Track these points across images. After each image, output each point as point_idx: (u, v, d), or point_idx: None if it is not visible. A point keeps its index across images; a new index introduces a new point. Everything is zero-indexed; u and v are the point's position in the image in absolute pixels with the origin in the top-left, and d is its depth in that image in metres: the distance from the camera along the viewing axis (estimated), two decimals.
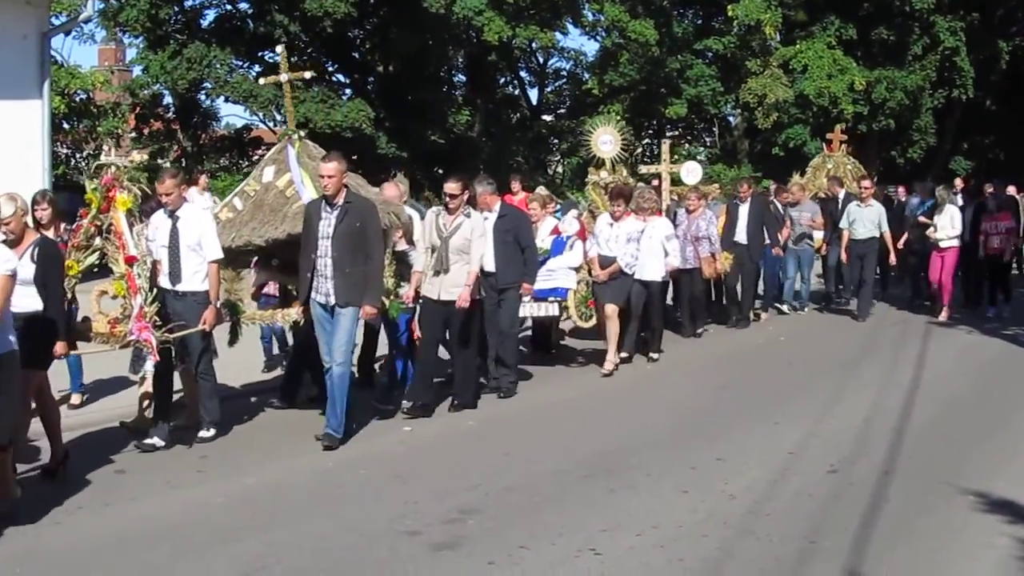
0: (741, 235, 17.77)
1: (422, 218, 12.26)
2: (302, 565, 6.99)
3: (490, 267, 12.26)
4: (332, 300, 10.10)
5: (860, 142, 37.56)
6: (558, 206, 16.56)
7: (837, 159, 22.78)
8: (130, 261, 9.67)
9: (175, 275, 10.03)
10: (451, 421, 11.21)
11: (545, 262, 13.62)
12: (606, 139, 16.66)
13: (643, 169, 19.50)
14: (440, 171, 36.91)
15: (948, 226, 18.47)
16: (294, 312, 10.85)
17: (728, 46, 37.38)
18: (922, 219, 19.33)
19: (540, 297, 13.41)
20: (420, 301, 11.57)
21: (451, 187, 11.45)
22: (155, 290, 9.83)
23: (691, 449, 9.86)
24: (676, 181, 19.22)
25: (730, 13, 35.32)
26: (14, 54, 17.31)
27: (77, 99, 26.08)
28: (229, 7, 37.04)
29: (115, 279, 9.77)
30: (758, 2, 34.74)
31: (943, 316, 18.19)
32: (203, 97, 37.52)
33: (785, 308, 19.40)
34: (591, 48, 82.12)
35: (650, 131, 44.15)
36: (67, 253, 9.62)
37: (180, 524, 7.85)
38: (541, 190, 18.18)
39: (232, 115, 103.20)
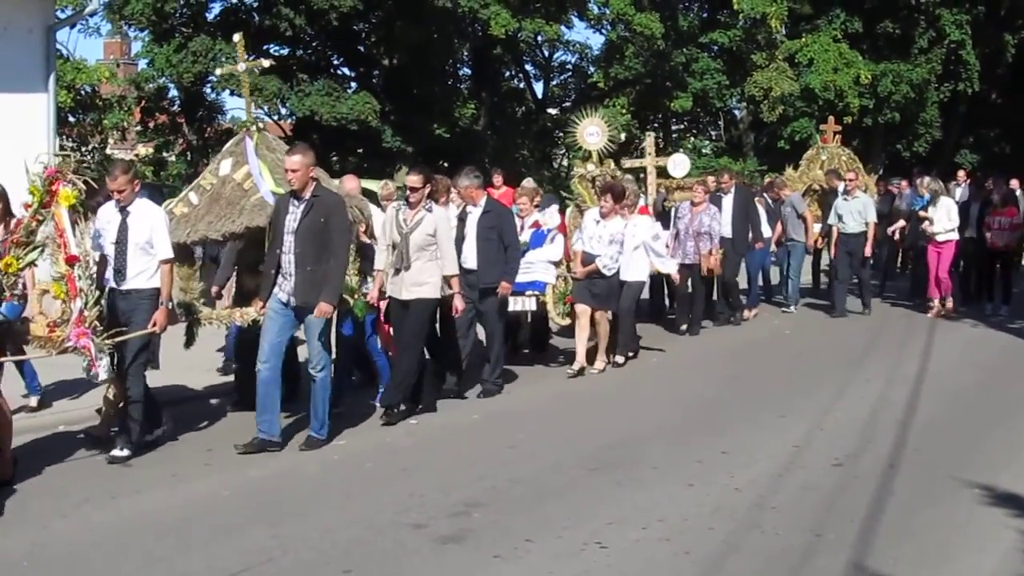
0: (725, 228, 17.11)
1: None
2: (308, 558, 7.00)
3: (470, 264, 12.04)
4: (294, 300, 9.63)
5: (865, 135, 37.62)
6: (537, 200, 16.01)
7: (831, 151, 22.30)
8: (71, 261, 9.04)
9: (120, 273, 9.47)
10: (457, 414, 11.21)
11: (524, 254, 13.07)
12: (592, 131, 16.24)
13: (627, 163, 18.78)
14: (445, 164, 36.88)
15: (944, 219, 18.01)
16: (253, 311, 10.14)
17: (733, 39, 37.34)
18: (921, 213, 18.84)
19: (517, 291, 12.82)
20: (387, 300, 11.13)
21: (411, 180, 10.89)
22: (99, 292, 9.24)
23: (697, 442, 9.86)
24: (663, 174, 18.64)
25: (735, 6, 35.28)
26: (20, 48, 17.30)
27: (83, 93, 26.06)
28: (235, 0, 37.03)
29: (55, 279, 9.21)
30: None
31: (948, 308, 17.95)
32: (208, 90, 37.52)
33: (792, 308, 18.97)
34: (596, 41, 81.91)
35: (655, 124, 44.10)
36: (6, 249, 9.01)
37: (186, 517, 7.86)
38: (528, 182, 17.89)
39: (237, 108, 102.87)
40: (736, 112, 43.03)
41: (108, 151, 33.16)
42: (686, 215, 16.33)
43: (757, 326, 17.49)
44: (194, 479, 8.81)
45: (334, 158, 38.06)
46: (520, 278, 12.73)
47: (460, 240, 12.10)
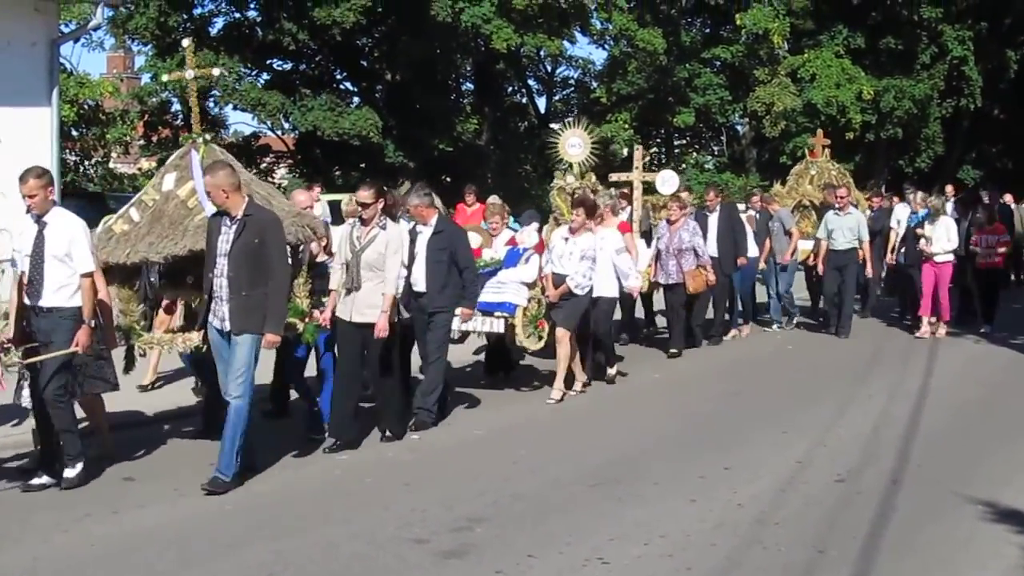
0: (711, 247, 16.46)
1: None
2: (310, 572, 6.99)
3: (420, 287, 11.33)
4: (228, 326, 8.93)
5: (868, 151, 37.68)
6: (511, 219, 15.09)
7: (821, 165, 21.47)
8: None
9: (36, 289, 8.81)
10: (459, 429, 11.20)
11: (496, 273, 12.65)
12: (574, 142, 15.81)
13: (614, 176, 18.15)
14: (448, 179, 36.95)
15: (944, 238, 17.24)
16: (196, 337, 9.54)
17: (736, 55, 37.43)
18: (918, 231, 18.04)
19: (485, 310, 12.26)
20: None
21: (363, 195, 10.34)
22: (7, 309, 8.84)
23: (699, 458, 9.85)
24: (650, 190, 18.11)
25: (738, 22, 35.40)
26: (23, 61, 17.36)
27: (86, 107, 26.12)
28: (238, 15, 37.16)
29: None
30: (766, 11, 34.83)
31: (939, 333, 17.31)
32: (211, 104, 37.60)
33: (774, 327, 18.42)
34: (599, 57, 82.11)
35: (658, 140, 44.17)
36: None
37: (188, 531, 7.85)
38: (495, 199, 16.91)
39: (240, 123, 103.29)
40: (738, 127, 43.10)
41: (111, 165, 33.25)
42: (664, 233, 15.78)
43: (759, 342, 17.46)
44: (196, 494, 8.78)
45: (337, 172, 38.17)
46: (489, 297, 12.30)
47: (410, 261, 11.34)
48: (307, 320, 10.17)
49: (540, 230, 14.40)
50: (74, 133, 26.29)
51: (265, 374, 10.47)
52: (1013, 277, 24.67)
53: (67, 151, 25.95)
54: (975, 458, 9.91)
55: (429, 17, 32.21)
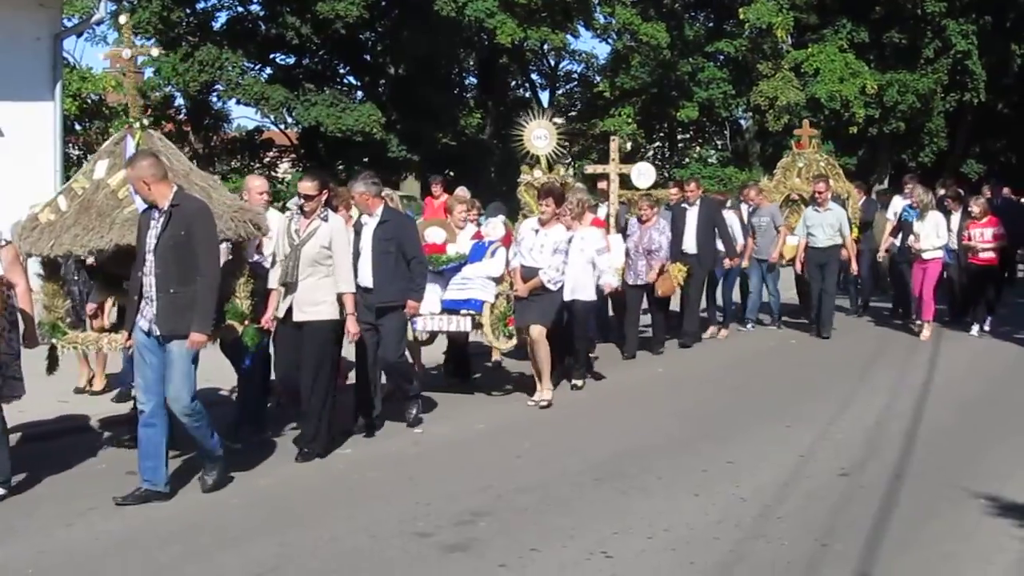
0: (689, 243, 16.03)
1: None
2: (314, 566, 7.00)
3: (366, 281, 10.64)
4: (156, 329, 8.24)
5: (871, 145, 37.65)
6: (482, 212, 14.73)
7: (809, 156, 20.14)
8: None
9: None
10: (462, 424, 11.20)
11: (460, 268, 12.04)
12: (540, 134, 15.00)
13: (589, 169, 17.47)
14: (451, 174, 36.94)
15: (933, 235, 16.65)
16: (120, 338, 8.90)
17: (739, 49, 37.38)
18: (891, 239, 17.87)
19: (451, 309, 11.84)
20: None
21: (306, 186, 9.72)
22: None
23: (702, 452, 9.85)
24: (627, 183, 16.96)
25: (742, 16, 35.34)
26: (26, 56, 17.39)
27: (89, 101, 26.13)
28: (241, 9, 37.20)
29: None
30: (770, 5, 34.76)
31: (925, 334, 16.67)
32: (215, 99, 37.71)
33: (748, 326, 17.90)
34: (602, 51, 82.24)
35: (661, 134, 44.15)
36: None
37: (192, 525, 7.86)
38: (462, 191, 16.69)
39: (243, 117, 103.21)
40: (742, 122, 43.10)
41: None
42: (635, 231, 15.17)
43: (762, 337, 17.45)
44: (199, 488, 8.79)
45: (340, 167, 38.15)
46: (455, 295, 11.87)
47: (356, 255, 10.57)
48: (247, 323, 9.37)
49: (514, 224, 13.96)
50: (77, 127, 26.30)
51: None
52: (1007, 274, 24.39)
53: (70, 145, 25.96)
54: (979, 452, 9.92)
55: (432, 11, 32.19)
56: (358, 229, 10.86)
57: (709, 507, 8.20)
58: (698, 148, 45.01)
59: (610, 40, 40.52)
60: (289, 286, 9.61)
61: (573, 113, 45.60)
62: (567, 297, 12.51)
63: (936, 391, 12.58)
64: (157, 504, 8.30)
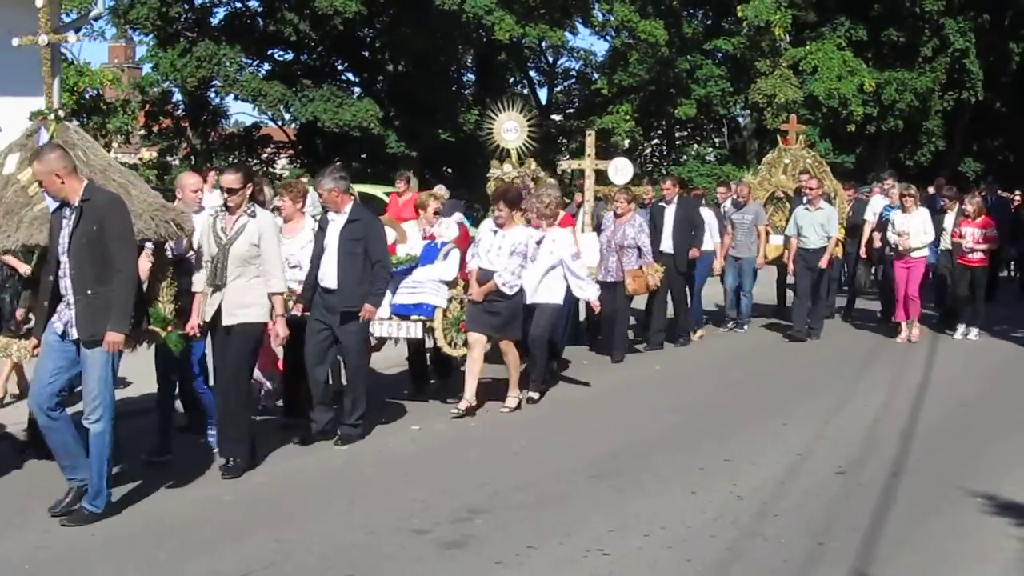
0: (666, 242, 15.51)
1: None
2: (311, 563, 6.99)
3: (330, 283, 10.10)
4: (74, 332, 7.69)
5: (869, 144, 37.64)
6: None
7: (795, 153, 19.44)
8: None
9: None
10: (459, 421, 11.17)
11: (411, 271, 11.47)
12: (510, 126, 14.43)
13: (563, 164, 16.96)
14: (449, 170, 36.93)
15: (920, 232, 16.04)
16: (30, 344, 8.29)
17: (738, 46, 37.32)
18: (875, 232, 17.40)
19: (401, 314, 11.24)
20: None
21: (228, 179, 9.07)
22: None
23: (699, 450, 9.85)
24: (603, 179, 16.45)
25: (740, 14, 35.28)
26: (24, 51, 17.32)
27: (87, 96, 26.15)
28: (239, 5, 37.18)
29: None
30: (768, 3, 34.70)
31: (914, 336, 16.15)
32: (212, 95, 37.69)
33: (729, 325, 17.48)
34: (600, 48, 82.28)
35: (659, 131, 44.12)
36: None
37: (189, 521, 7.85)
38: (440, 189, 16.01)
39: (241, 113, 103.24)
40: (740, 119, 43.03)
41: (112, 155, 33.27)
42: (608, 226, 14.54)
43: (759, 334, 17.42)
44: (197, 484, 8.80)
45: (337, 163, 38.11)
46: (404, 300, 11.24)
47: (319, 254, 10.22)
48: (170, 328, 8.84)
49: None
50: (75, 122, 26.32)
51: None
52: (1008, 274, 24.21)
53: None
54: (976, 451, 9.93)
55: (431, 7, 32.15)
56: (323, 226, 10.35)
57: (706, 505, 8.20)
58: (696, 145, 44.92)
59: (608, 37, 40.49)
60: (218, 288, 8.95)
61: (571, 110, 45.58)
62: (532, 300, 11.86)
63: (933, 389, 12.58)
64: (153, 500, 8.31)
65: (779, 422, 10.97)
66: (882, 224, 17.36)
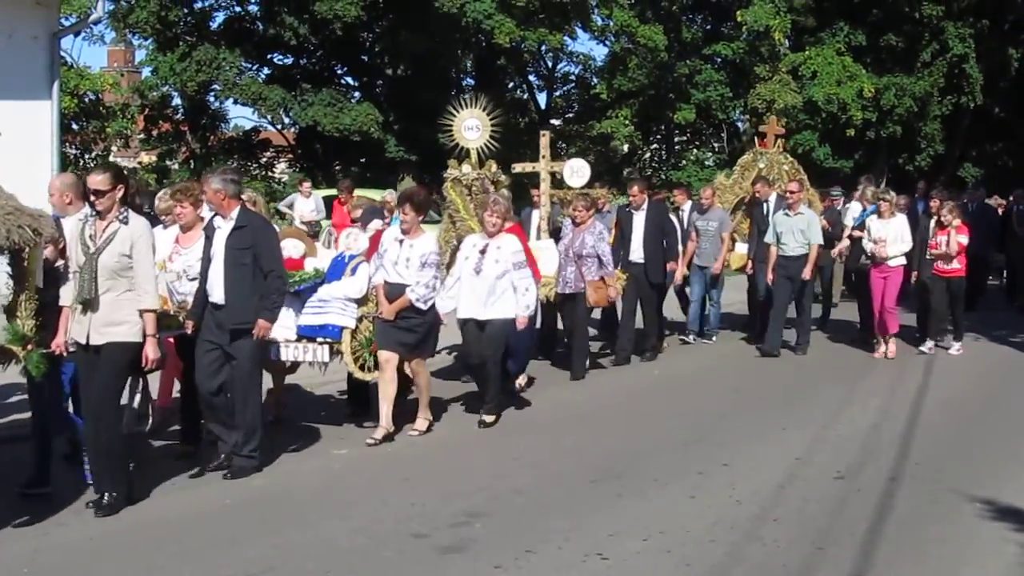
0: (636, 251, 14.73)
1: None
2: (309, 567, 6.99)
3: (217, 297, 9.15)
4: None
5: (868, 149, 37.63)
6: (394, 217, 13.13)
7: (771, 157, 18.11)
8: None
9: None
10: (458, 425, 11.18)
11: (316, 289, 10.42)
12: (472, 124, 13.74)
13: (517, 167, 15.53)
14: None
15: (897, 240, 15.06)
16: None
17: (737, 51, 37.33)
18: (856, 233, 16.20)
19: (307, 336, 10.20)
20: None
21: (96, 180, 8.08)
22: None
23: (698, 454, 9.86)
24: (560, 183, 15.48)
25: (739, 19, 35.30)
26: (24, 55, 17.39)
27: (86, 100, 26.17)
28: (238, 9, 37.17)
29: None
30: (767, 8, 34.72)
31: (889, 352, 15.17)
32: (212, 99, 37.67)
33: (690, 338, 16.56)
34: (600, 53, 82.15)
35: (658, 136, 44.13)
36: None
37: (187, 525, 7.86)
38: (389, 194, 15.22)
39: (241, 117, 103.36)
40: (739, 124, 43.03)
41: (111, 159, 33.28)
42: (567, 234, 13.68)
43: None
44: (195, 488, 8.81)
45: (337, 167, 38.16)
46: (309, 320, 10.21)
47: (207, 264, 9.29)
48: (30, 347, 8.00)
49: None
50: (74, 126, 26.34)
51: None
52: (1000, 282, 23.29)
53: (67, 144, 25.99)
54: (974, 456, 9.93)
55: (431, 11, 32.16)
56: (209, 233, 9.40)
57: (705, 509, 8.20)
58: (695, 151, 44.93)
59: (608, 42, 40.48)
60: (87, 303, 8.01)
61: (570, 115, 45.59)
62: (483, 316, 11.09)
63: (931, 394, 12.58)
64: (152, 504, 8.33)
65: (778, 427, 10.97)
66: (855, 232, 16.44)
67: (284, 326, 10.00)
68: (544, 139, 15.40)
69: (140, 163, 41.58)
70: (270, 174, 40.90)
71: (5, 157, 16.60)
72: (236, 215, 9.23)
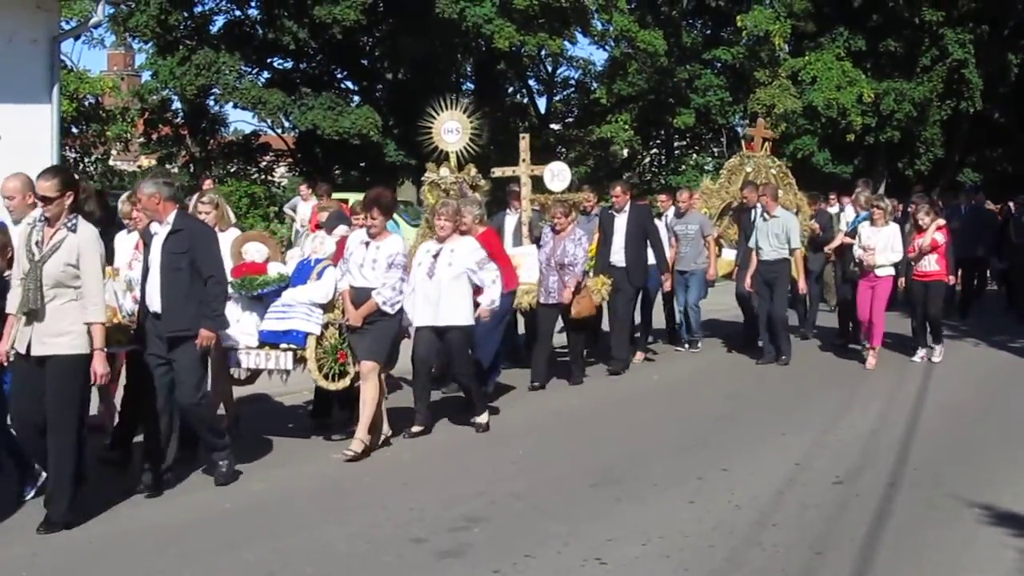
0: (617, 256, 14.22)
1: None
2: (308, 572, 6.99)
3: (154, 305, 8.65)
4: None
5: (868, 154, 37.68)
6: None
7: (758, 161, 17.63)
8: None
9: None
10: (458, 429, 11.17)
11: (280, 293, 10.00)
12: (452, 127, 13.53)
13: (496, 171, 15.09)
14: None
15: (887, 248, 14.54)
16: None
17: (737, 56, 37.41)
18: (845, 239, 15.85)
19: (269, 342, 9.84)
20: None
21: (43, 186, 7.72)
22: None
23: (697, 459, 9.85)
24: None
25: (739, 23, 35.36)
26: (24, 58, 17.36)
27: (86, 103, 26.15)
28: (238, 13, 37.23)
29: None
30: (767, 13, 34.80)
31: (869, 363, 14.72)
32: (212, 103, 37.72)
33: (686, 346, 16.24)
34: (600, 57, 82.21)
35: (658, 141, 44.17)
36: None
37: (187, 529, 7.85)
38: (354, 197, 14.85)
39: (240, 121, 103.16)
40: (739, 129, 43.07)
41: (111, 162, 33.31)
42: (547, 242, 13.38)
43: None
44: (195, 492, 8.80)
45: (337, 171, 38.17)
46: (273, 325, 9.84)
47: (145, 274, 8.82)
48: None
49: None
50: (74, 130, 26.33)
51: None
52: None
53: (67, 148, 25.97)
54: (973, 461, 9.93)
55: (430, 15, 32.19)
56: (147, 240, 8.94)
57: (704, 514, 8.20)
58: (695, 155, 44.96)
59: (607, 47, 40.56)
60: (32, 314, 7.69)
61: (570, 119, 45.63)
62: (437, 323, 10.70)
63: (931, 399, 12.58)
64: (151, 508, 8.32)
65: (777, 432, 10.97)
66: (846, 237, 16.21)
67: (246, 332, 9.81)
68: (524, 142, 15.05)
69: (140, 167, 41.62)
70: (270, 178, 40.92)
71: (5, 160, 16.61)
72: (172, 219, 8.74)
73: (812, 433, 10.81)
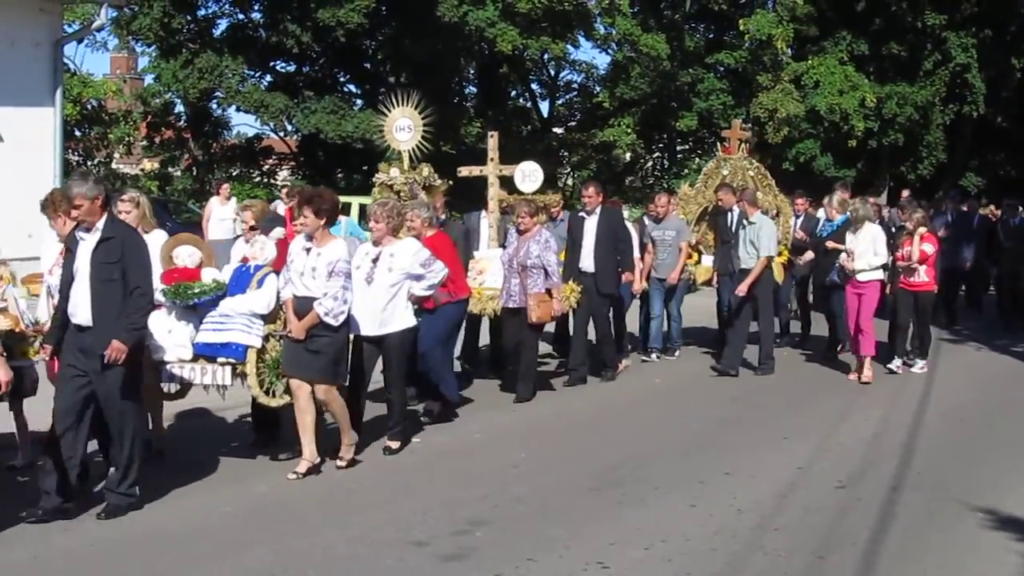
0: (586, 260, 13.51)
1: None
2: (310, 575, 6.99)
3: (83, 319, 8.07)
4: None
5: (870, 158, 37.63)
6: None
7: (735, 163, 16.88)
8: None
9: None
10: (459, 433, 11.17)
11: (218, 303, 9.38)
12: (403, 124, 12.99)
13: (463, 171, 14.60)
14: (451, 182, 36.83)
15: (869, 252, 13.96)
16: None
17: (739, 60, 37.34)
18: (829, 243, 15.06)
19: (205, 355, 9.26)
20: None
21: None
22: None
23: (700, 463, 9.85)
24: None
25: (742, 27, 35.32)
26: (27, 61, 17.42)
27: (89, 107, 26.21)
28: (241, 17, 37.22)
29: None
30: (770, 17, 34.75)
31: (865, 376, 13.96)
32: (214, 106, 37.74)
33: (653, 356, 15.53)
34: (602, 61, 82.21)
35: (660, 144, 44.14)
36: None
37: (188, 532, 7.85)
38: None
39: (243, 124, 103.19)
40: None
41: (114, 165, 33.34)
42: (512, 243, 12.80)
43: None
44: (196, 495, 8.79)
45: (339, 174, 38.17)
46: (210, 338, 9.24)
47: (68, 282, 8.18)
48: None
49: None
50: (77, 133, 26.39)
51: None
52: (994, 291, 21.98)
53: (70, 151, 26.04)
54: (976, 465, 9.92)
55: (434, 19, 32.21)
56: (72, 246, 8.26)
57: (706, 518, 8.19)
58: (697, 159, 44.90)
59: (610, 51, 40.52)
60: None
61: (573, 123, 45.60)
62: (379, 331, 10.07)
63: (933, 403, 12.58)
64: (152, 511, 8.31)
65: (779, 436, 10.96)
66: (816, 244, 15.72)
67: (179, 344, 9.25)
68: (492, 140, 14.50)
69: (142, 170, 41.65)
70: (272, 181, 40.93)
71: (8, 163, 16.68)
72: (102, 225, 8.12)
73: (814, 437, 10.80)
